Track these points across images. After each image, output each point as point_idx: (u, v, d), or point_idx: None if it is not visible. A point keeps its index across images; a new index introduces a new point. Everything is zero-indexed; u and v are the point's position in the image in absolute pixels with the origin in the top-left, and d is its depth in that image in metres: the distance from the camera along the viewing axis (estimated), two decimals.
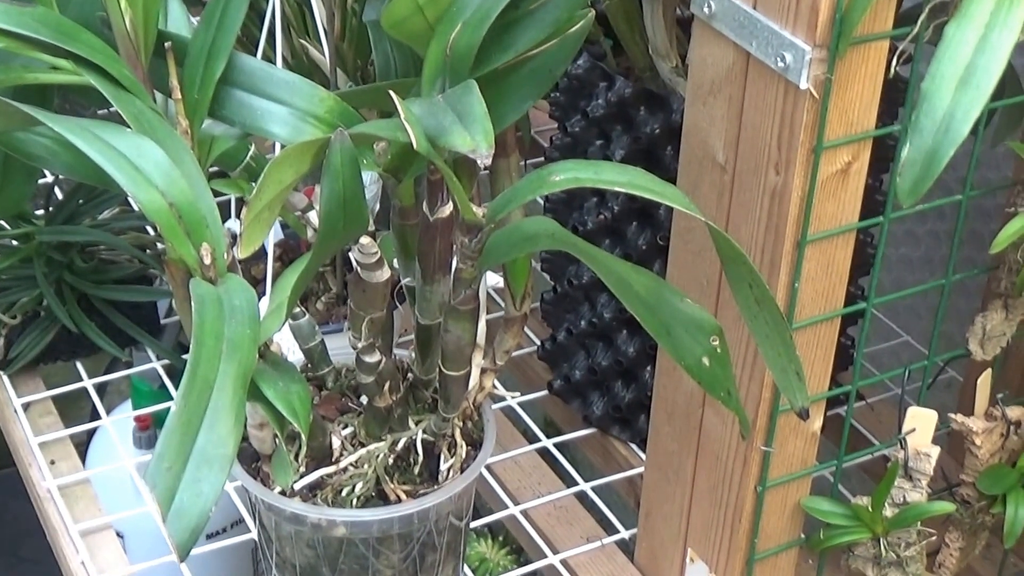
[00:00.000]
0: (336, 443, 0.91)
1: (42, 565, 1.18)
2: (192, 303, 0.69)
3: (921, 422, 0.98)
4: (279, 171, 0.70)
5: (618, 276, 0.77)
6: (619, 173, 0.76)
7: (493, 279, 1.01)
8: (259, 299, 0.74)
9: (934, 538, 1.00)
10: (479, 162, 0.69)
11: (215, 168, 0.90)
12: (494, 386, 0.97)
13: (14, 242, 1.27)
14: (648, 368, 1.17)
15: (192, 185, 0.73)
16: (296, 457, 0.90)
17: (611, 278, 0.77)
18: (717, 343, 0.78)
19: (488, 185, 0.95)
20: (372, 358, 0.86)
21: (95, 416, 1.31)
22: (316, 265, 0.78)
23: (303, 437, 0.80)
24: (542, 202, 1.24)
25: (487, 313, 0.94)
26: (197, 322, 0.68)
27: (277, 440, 0.87)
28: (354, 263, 0.83)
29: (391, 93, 0.72)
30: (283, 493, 0.89)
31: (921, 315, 1.41)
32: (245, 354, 0.68)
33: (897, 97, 0.98)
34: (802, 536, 1.02)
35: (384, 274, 0.83)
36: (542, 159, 1.30)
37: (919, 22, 0.80)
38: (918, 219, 1.43)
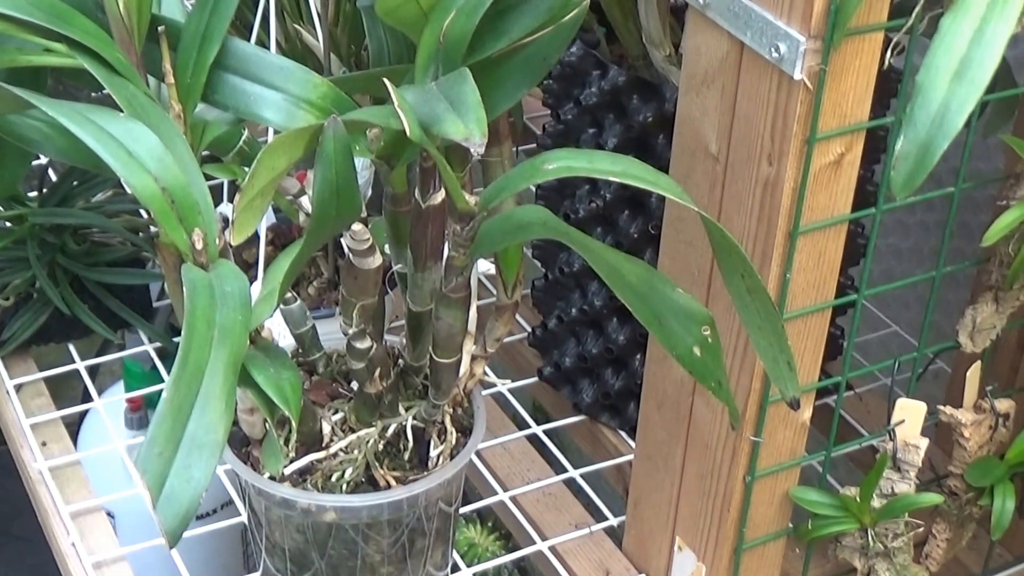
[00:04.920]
0: (326, 429, 0.91)
1: (34, 544, 1.18)
2: (184, 289, 0.69)
3: (910, 413, 0.98)
4: (272, 158, 0.70)
5: (610, 265, 0.77)
6: (613, 162, 0.76)
7: (485, 266, 1.01)
8: (251, 284, 0.74)
9: (921, 529, 1.01)
10: (472, 150, 0.69)
11: (207, 152, 0.89)
12: (484, 373, 0.97)
13: (7, 224, 1.27)
14: (638, 356, 1.17)
15: (185, 170, 0.73)
16: (286, 442, 0.90)
17: (603, 267, 0.77)
18: (708, 333, 0.78)
19: (480, 172, 0.95)
20: (363, 344, 0.86)
21: (87, 398, 1.31)
22: (308, 252, 0.77)
23: (293, 423, 0.80)
24: (534, 190, 1.24)
25: (479, 300, 0.94)
26: (188, 308, 0.68)
27: (267, 427, 0.87)
28: (346, 250, 0.83)
29: (385, 80, 0.72)
30: (273, 478, 0.89)
31: (910, 305, 1.41)
32: (236, 340, 0.68)
33: (890, 88, 0.98)
34: (790, 526, 1.02)
35: (375, 261, 0.83)
36: (534, 146, 1.30)
37: (914, 14, 0.80)
38: (907, 209, 1.43)
